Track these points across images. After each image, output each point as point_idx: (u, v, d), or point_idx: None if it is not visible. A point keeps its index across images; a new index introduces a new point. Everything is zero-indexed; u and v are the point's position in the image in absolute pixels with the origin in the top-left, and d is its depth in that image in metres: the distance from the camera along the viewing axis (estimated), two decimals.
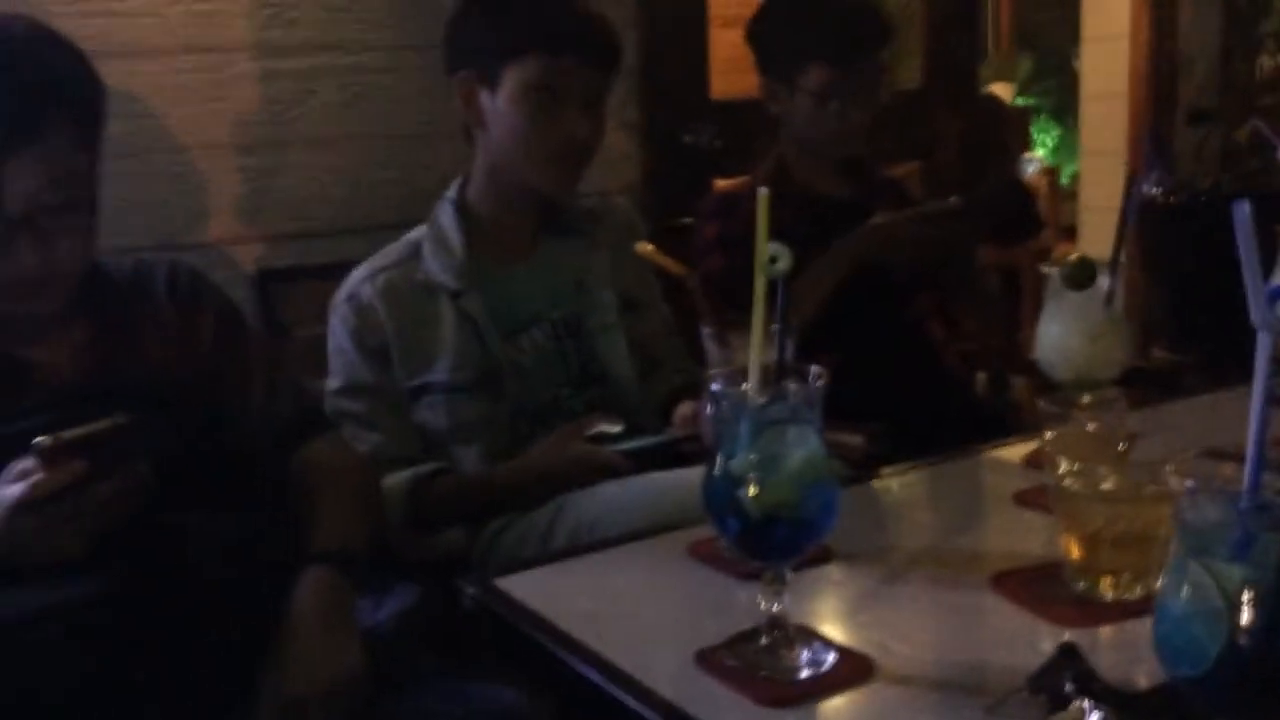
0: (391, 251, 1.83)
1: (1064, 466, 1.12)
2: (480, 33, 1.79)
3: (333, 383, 1.77)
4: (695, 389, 1.53)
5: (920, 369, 2.15)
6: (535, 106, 1.74)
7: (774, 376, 0.96)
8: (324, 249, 2.28)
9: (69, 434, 1.16)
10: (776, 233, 0.96)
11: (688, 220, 2.22)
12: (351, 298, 1.77)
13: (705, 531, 1.23)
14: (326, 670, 1.23)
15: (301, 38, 2.34)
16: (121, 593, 1.25)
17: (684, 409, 1.58)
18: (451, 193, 1.86)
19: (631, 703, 0.96)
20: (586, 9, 1.81)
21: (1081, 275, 1.41)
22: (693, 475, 1.34)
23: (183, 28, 2.24)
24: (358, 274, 1.80)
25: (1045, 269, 1.49)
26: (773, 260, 0.93)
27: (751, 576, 1.10)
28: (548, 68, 1.73)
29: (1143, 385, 2.07)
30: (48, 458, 1.16)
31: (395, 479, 1.67)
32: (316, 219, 2.37)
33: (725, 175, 2.69)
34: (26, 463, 1.17)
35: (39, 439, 1.15)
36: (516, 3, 1.78)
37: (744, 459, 0.94)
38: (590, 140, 1.78)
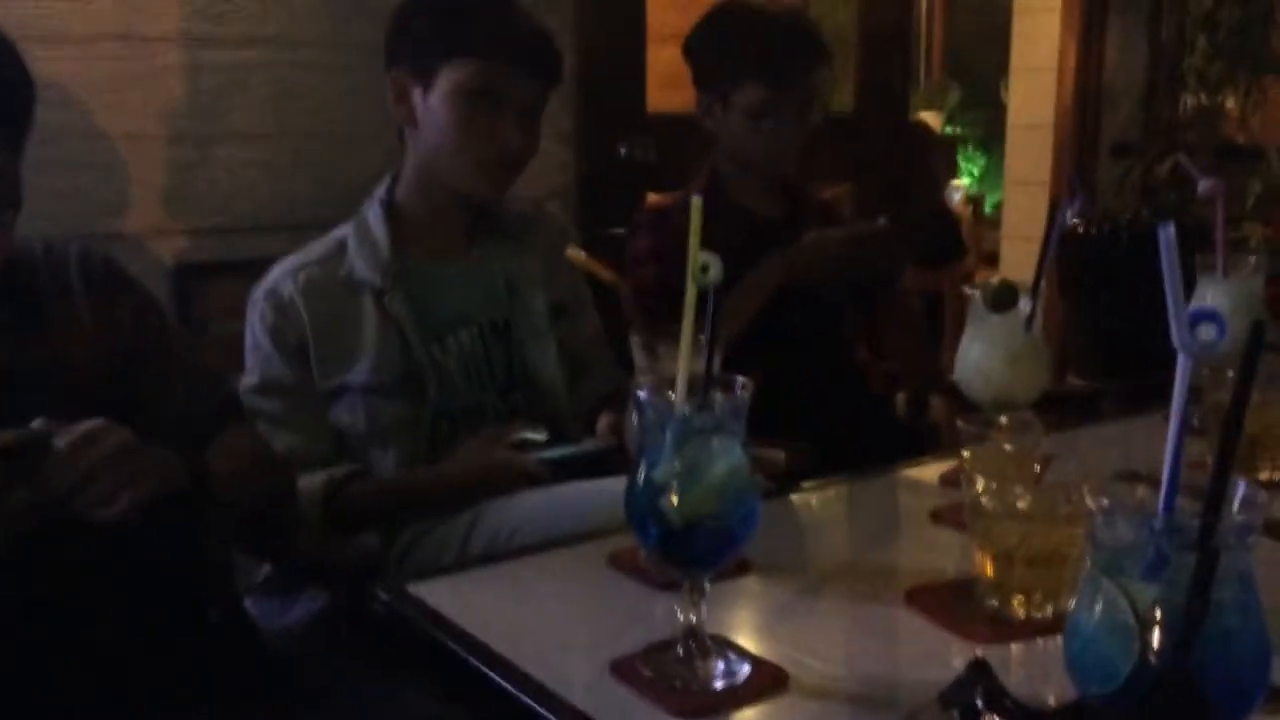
0: (315, 248, 1.79)
1: (980, 485, 1.13)
2: (419, 30, 1.77)
3: (248, 379, 1.73)
4: (624, 397, 1.53)
5: (843, 387, 2.17)
6: (468, 109, 1.73)
7: (701, 386, 0.96)
8: (246, 245, 2.24)
9: None
10: (707, 246, 0.96)
11: (619, 231, 2.22)
12: (271, 293, 1.74)
13: (625, 541, 1.23)
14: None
15: (232, 30, 2.30)
16: (31, 594, 1.21)
17: (606, 418, 1.57)
18: (380, 191, 1.83)
19: (545, 713, 0.94)
20: (529, 18, 1.80)
21: (1003, 298, 1.43)
22: (614, 485, 1.33)
23: (110, 15, 2.19)
24: (279, 269, 1.76)
25: (968, 291, 1.51)
26: (704, 270, 0.93)
27: (670, 587, 1.09)
28: (483, 71, 1.72)
29: (1059, 410, 2.11)
30: None
31: (311, 480, 1.63)
32: (239, 214, 2.33)
33: (658, 189, 2.70)
34: None
35: None
36: (458, 3, 1.76)
37: (667, 467, 0.93)
38: (522, 149, 1.77)
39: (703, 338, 0.98)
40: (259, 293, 1.75)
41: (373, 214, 1.80)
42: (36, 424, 1.16)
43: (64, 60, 2.15)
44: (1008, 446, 1.30)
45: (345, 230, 1.81)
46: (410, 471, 1.70)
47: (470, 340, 1.81)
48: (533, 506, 1.64)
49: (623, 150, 2.84)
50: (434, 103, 1.74)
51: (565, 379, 1.89)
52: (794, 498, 1.50)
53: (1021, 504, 1.13)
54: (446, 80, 1.73)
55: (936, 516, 1.39)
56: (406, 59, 1.77)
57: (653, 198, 2.65)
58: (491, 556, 1.43)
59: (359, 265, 1.75)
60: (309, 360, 1.71)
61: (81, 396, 1.30)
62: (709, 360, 0.98)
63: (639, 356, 1.24)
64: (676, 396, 0.94)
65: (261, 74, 2.33)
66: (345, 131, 2.41)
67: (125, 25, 2.21)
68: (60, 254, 1.42)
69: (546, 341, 1.87)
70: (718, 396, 0.96)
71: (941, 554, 1.28)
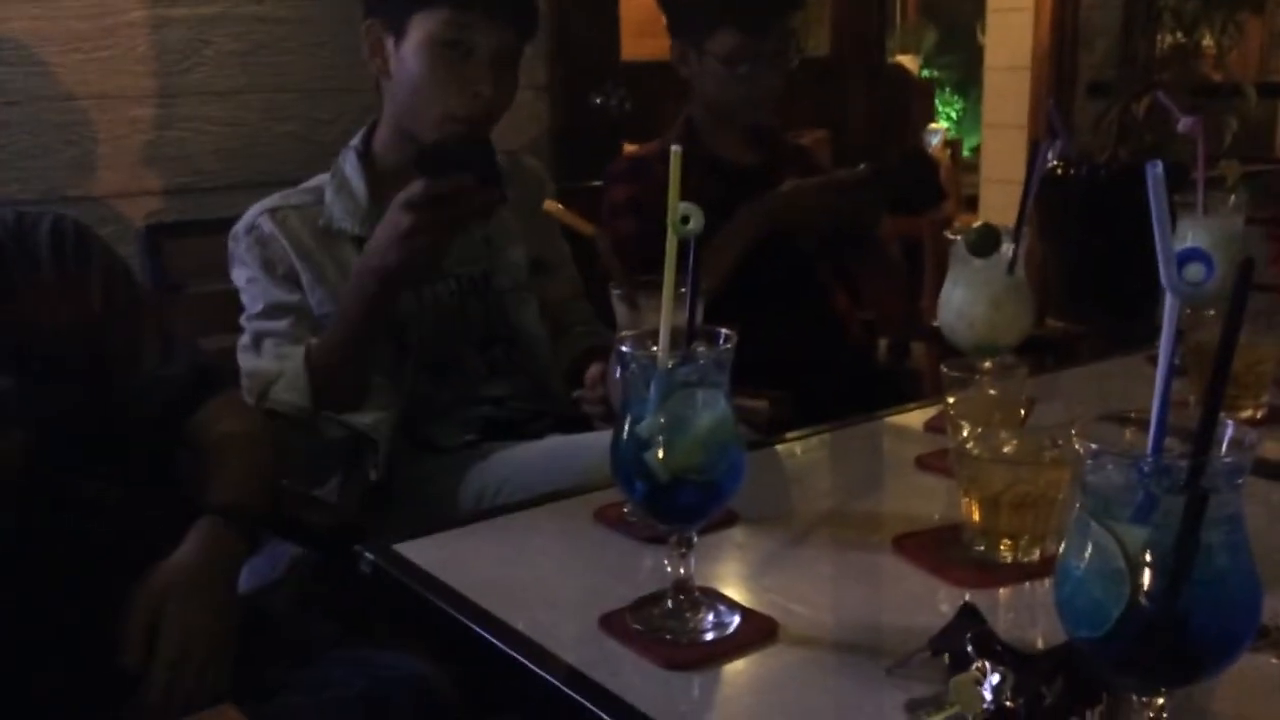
0: (292, 194, 1.78)
1: (965, 430, 1.13)
2: None
3: (252, 309, 1.72)
4: (605, 351, 1.52)
5: (824, 336, 2.17)
6: (439, 59, 1.70)
7: (683, 339, 0.95)
8: (217, 203, 2.21)
9: None
10: (684, 196, 0.95)
11: (596, 183, 2.20)
12: (252, 228, 1.73)
13: (611, 496, 1.23)
14: (202, 633, 1.20)
15: None
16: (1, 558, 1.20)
17: (594, 370, 1.56)
18: (356, 141, 1.81)
19: (536, 669, 0.94)
20: None
21: (985, 242, 1.42)
22: (598, 439, 1.33)
23: None
24: (255, 209, 1.76)
25: (950, 236, 1.50)
26: (684, 220, 0.91)
27: (657, 540, 1.09)
28: (454, 21, 1.69)
29: (1041, 353, 2.12)
30: None
31: (295, 359, 1.63)
32: (210, 173, 2.29)
33: (635, 139, 2.67)
34: None
35: None
36: None
37: (652, 421, 0.92)
38: (495, 100, 1.73)
39: (684, 290, 0.97)
40: (239, 230, 1.75)
41: (349, 164, 1.78)
42: None
43: (24, 19, 2.10)
44: (992, 391, 1.30)
45: (321, 180, 1.79)
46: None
47: (446, 293, 1.79)
48: (518, 461, 1.64)
49: (598, 100, 2.80)
50: (406, 53, 1.71)
51: (546, 333, 1.88)
52: (779, 448, 1.50)
53: (1007, 448, 1.13)
54: (418, 30, 1.70)
55: (921, 463, 1.39)
56: (380, 9, 1.74)
57: (629, 148, 2.63)
58: (477, 514, 1.42)
59: (337, 213, 1.74)
60: (302, 285, 1.71)
61: (49, 367, 1.29)
62: (691, 312, 0.97)
63: (620, 310, 1.23)
64: (659, 349, 0.93)
65: (227, 28, 2.28)
66: (315, 85, 2.37)
67: None
68: (32, 223, 1.39)
69: (526, 296, 1.86)
70: (700, 349, 0.95)
71: (927, 500, 1.28)
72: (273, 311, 1.70)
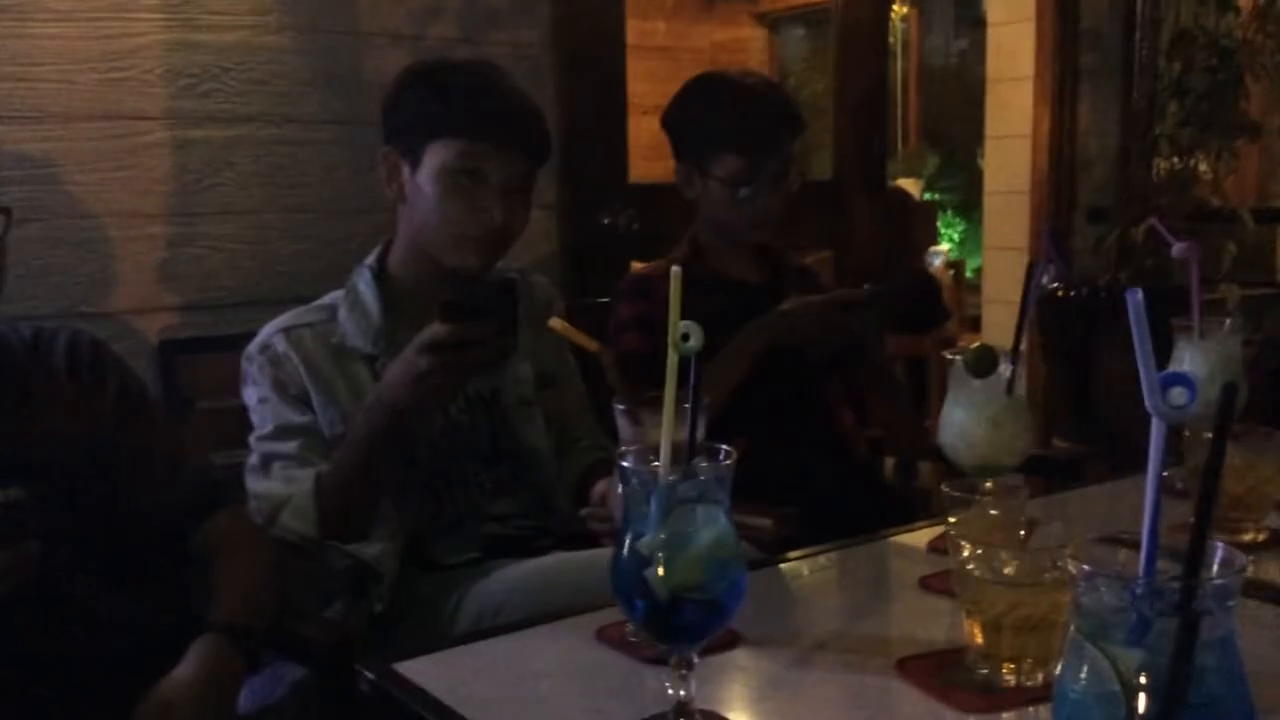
0: (305, 312, 1.81)
1: (966, 551, 1.13)
2: (407, 110, 1.80)
3: (262, 430, 1.73)
4: (610, 466, 1.53)
5: (829, 454, 2.18)
6: (451, 188, 1.74)
7: (685, 454, 0.96)
8: (232, 320, 2.25)
9: None
10: (689, 314, 0.97)
11: (604, 300, 2.23)
12: (265, 348, 1.75)
13: (614, 615, 1.22)
14: None
15: (217, 108, 2.33)
16: (4, 667, 1.20)
17: (600, 486, 1.57)
18: (370, 260, 1.85)
19: None
20: (517, 97, 1.82)
21: (983, 363, 1.44)
22: (602, 556, 1.33)
23: (95, 94, 2.22)
24: (269, 328, 1.78)
25: (949, 356, 1.52)
26: (684, 338, 0.93)
27: (659, 661, 1.09)
28: (466, 151, 1.74)
29: (1044, 473, 2.12)
30: None
31: (303, 486, 1.64)
32: (225, 290, 2.34)
33: (642, 258, 2.72)
34: None
35: None
36: (443, 84, 1.79)
37: (652, 538, 0.93)
38: (507, 225, 1.77)
39: (686, 406, 0.99)
40: (252, 349, 1.77)
41: (363, 282, 1.81)
42: (5, 494, 1.16)
43: (49, 139, 2.17)
44: (993, 511, 1.30)
45: (334, 298, 1.82)
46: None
47: (456, 410, 1.81)
48: (519, 580, 1.64)
49: (606, 220, 2.86)
50: (421, 180, 1.76)
51: (552, 449, 1.88)
52: (782, 567, 1.50)
53: (1008, 570, 1.13)
54: (432, 159, 1.75)
55: (926, 584, 1.39)
56: (396, 137, 1.80)
57: (636, 266, 2.67)
58: (477, 633, 1.41)
59: (350, 332, 1.77)
60: (313, 406, 1.73)
61: (61, 479, 1.30)
62: (692, 428, 0.98)
63: (623, 425, 1.25)
64: (660, 465, 0.94)
65: (246, 150, 2.35)
66: (330, 206, 2.43)
67: (110, 104, 2.23)
68: (49, 338, 1.43)
69: (533, 411, 1.88)
70: (702, 464, 0.96)
71: (932, 622, 1.28)
72: (283, 433, 1.72)
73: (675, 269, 0.97)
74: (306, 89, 2.41)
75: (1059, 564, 1.09)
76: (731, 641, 1.19)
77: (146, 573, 1.37)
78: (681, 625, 0.96)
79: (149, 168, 2.27)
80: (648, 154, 3.16)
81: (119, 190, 2.24)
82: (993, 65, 4.22)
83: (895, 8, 7.03)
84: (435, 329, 1.52)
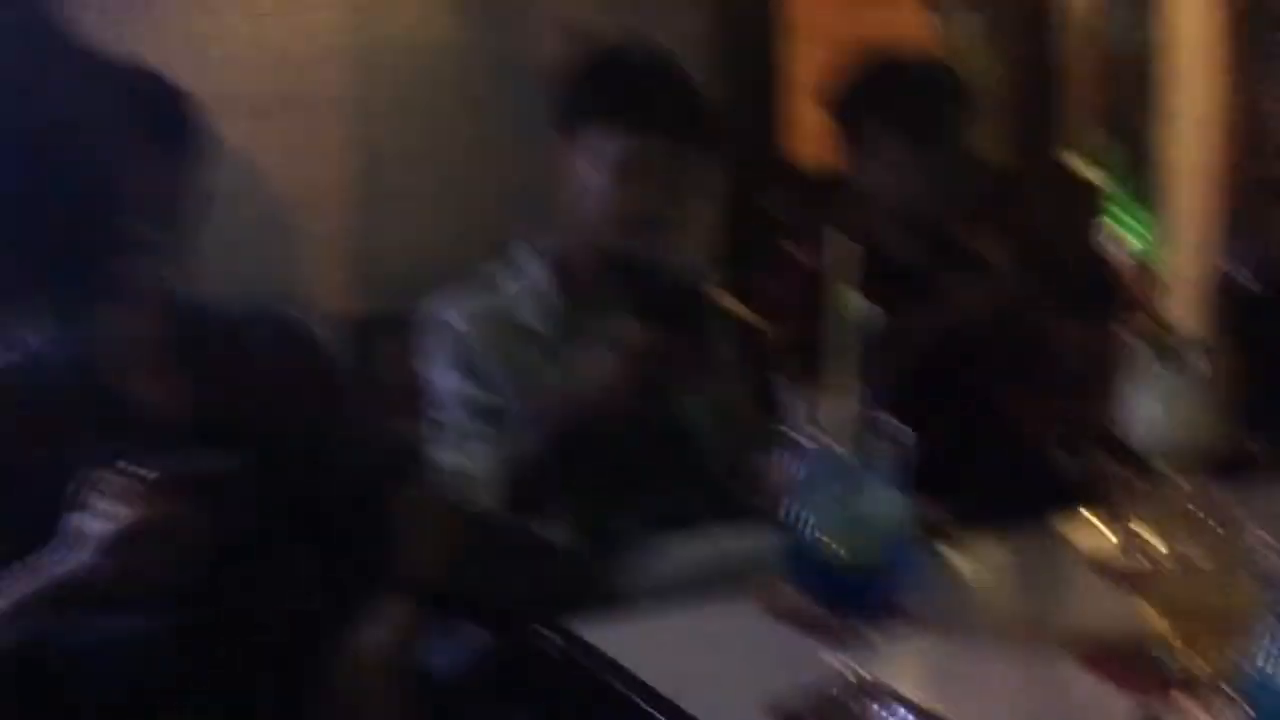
0: (475, 289, 1.87)
1: (1152, 539, 1.11)
2: (574, 98, 1.84)
3: (443, 402, 1.80)
4: (772, 447, 1.54)
5: (1000, 438, 2.14)
6: (617, 174, 1.78)
7: (855, 428, 0.97)
8: (420, 302, 2.33)
9: (181, 471, 1.19)
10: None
11: (761, 281, 2.23)
12: (444, 325, 1.82)
13: (784, 588, 1.23)
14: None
15: (403, 99, 2.41)
16: (207, 629, 1.28)
17: (764, 465, 1.58)
18: (543, 243, 1.90)
19: None
20: (682, 83, 1.84)
21: (1169, 348, 1.40)
22: (768, 533, 1.35)
23: (293, 88, 2.32)
24: (448, 306, 1.84)
25: (1134, 342, 1.48)
26: (853, 311, 0.94)
27: (832, 635, 1.10)
28: (630, 139, 1.77)
29: (1228, 466, 2.04)
30: (152, 492, 1.19)
31: (489, 462, 1.70)
32: (413, 273, 2.42)
33: (799, 240, 2.71)
34: (127, 494, 1.20)
35: (147, 472, 1.18)
36: (606, 72, 1.83)
37: (827, 511, 0.94)
38: (665, 211, 1.80)
39: (856, 381, 0.99)
40: (430, 325, 1.84)
41: (533, 263, 1.87)
42: (223, 463, 1.22)
43: (249, 130, 2.29)
44: (1176, 499, 1.27)
45: (499, 272, 1.88)
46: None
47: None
48: (686, 557, 1.67)
49: (765, 202, 2.86)
50: (586, 168, 1.80)
51: (712, 429, 1.91)
52: (956, 551, 1.49)
53: (1195, 558, 1.10)
54: (600, 146, 1.79)
55: (1104, 571, 1.35)
56: (564, 125, 1.84)
57: (793, 247, 2.66)
58: (652, 604, 1.44)
59: (523, 311, 1.82)
60: (489, 380, 1.78)
61: (268, 448, 1.38)
62: (864, 405, 0.99)
63: (788, 401, 1.26)
64: (831, 437, 0.95)
65: (429, 140, 2.44)
66: (507, 191, 2.50)
67: (306, 97, 2.34)
68: (255, 316, 1.51)
69: (696, 390, 1.90)
70: (873, 438, 0.97)
71: (1111, 610, 1.25)
72: (463, 406, 1.78)
73: (851, 245, 0.98)
74: (485, 78, 2.48)
75: (1251, 556, 1.05)
76: (905, 621, 1.19)
77: (341, 537, 1.44)
78: (855, 599, 0.97)
79: (342, 158, 2.37)
80: (808, 136, 3.14)
81: (317, 179, 2.35)
82: (1173, 43, 4.05)
83: None
84: (632, 334, 1.55)
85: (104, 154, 0.55)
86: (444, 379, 1.81)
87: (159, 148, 1.38)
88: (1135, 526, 1.14)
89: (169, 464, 1.20)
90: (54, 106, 0.50)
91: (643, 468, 1.85)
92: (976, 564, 1.49)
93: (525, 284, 1.85)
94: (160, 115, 1.39)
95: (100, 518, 1.19)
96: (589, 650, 1.16)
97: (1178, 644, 1.08)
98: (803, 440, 0.97)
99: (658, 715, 1.03)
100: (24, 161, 0.46)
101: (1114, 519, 1.51)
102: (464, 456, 1.73)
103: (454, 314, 1.82)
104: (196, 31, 2.23)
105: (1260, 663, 0.70)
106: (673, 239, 1.89)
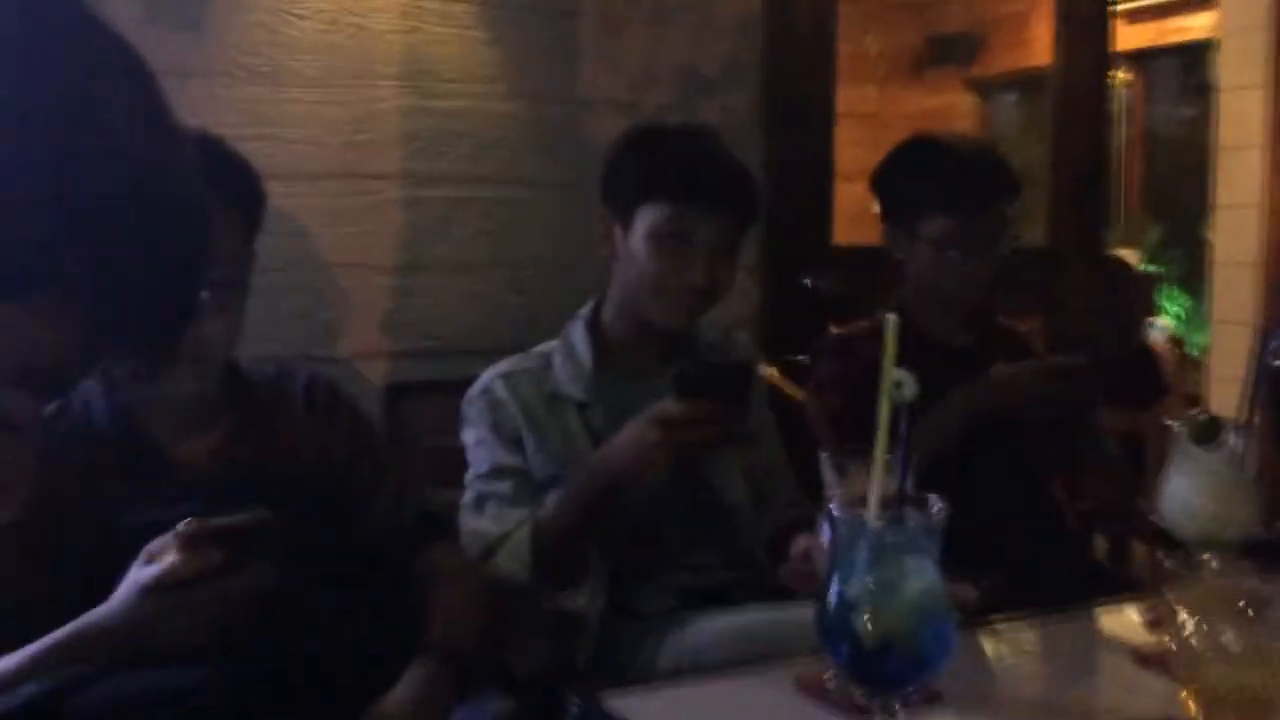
0: (523, 359, 1.89)
1: (1187, 623, 1.09)
2: (620, 174, 1.88)
3: (478, 469, 1.81)
4: (808, 524, 1.53)
5: (1039, 523, 2.11)
6: (660, 249, 1.80)
7: (894, 503, 0.97)
8: (452, 366, 2.36)
9: (213, 522, 1.21)
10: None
11: (804, 360, 2.24)
12: (485, 392, 1.84)
13: (813, 665, 1.23)
14: None
15: (448, 169, 2.47)
16: (235, 682, 1.28)
17: (801, 542, 1.58)
18: (585, 311, 1.93)
19: None
20: (726, 159, 1.87)
21: (1208, 431, 1.39)
22: (800, 611, 1.34)
23: (339, 155, 2.38)
24: (489, 374, 1.87)
25: (1173, 424, 1.47)
26: (897, 386, 0.95)
27: (860, 711, 1.09)
28: (675, 215, 1.80)
29: (1269, 554, 2.00)
30: (188, 543, 1.21)
31: (520, 531, 1.70)
32: (447, 338, 2.46)
33: (841, 321, 2.72)
34: (163, 546, 1.22)
35: (183, 523, 1.20)
36: (655, 148, 1.86)
37: (860, 584, 0.94)
38: (712, 285, 1.83)
39: (896, 455, 1.00)
40: (473, 393, 1.86)
41: (577, 334, 1.89)
42: (256, 514, 1.24)
43: (297, 196, 2.34)
44: (1214, 584, 1.25)
45: (550, 346, 1.90)
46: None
47: None
48: (714, 632, 1.65)
49: (808, 282, 2.88)
50: (632, 240, 1.83)
51: (749, 503, 1.90)
52: (986, 631, 1.47)
53: (1232, 645, 1.08)
54: (642, 222, 1.82)
55: (1139, 658, 1.34)
56: (610, 198, 1.88)
57: (835, 328, 2.67)
58: (680, 676, 1.44)
59: (564, 379, 1.84)
60: (526, 451, 1.80)
61: (297, 504, 1.40)
62: (903, 476, 0.99)
63: (828, 475, 1.26)
64: (870, 512, 0.95)
65: (472, 209, 2.48)
66: (547, 262, 2.53)
67: (351, 164, 2.39)
68: (289, 376, 1.54)
69: (730, 465, 1.90)
70: (912, 513, 0.97)
71: (1145, 697, 1.23)
72: (497, 474, 1.79)
73: (892, 317, 0.99)
74: (530, 152, 2.53)
75: None
76: (934, 699, 1.18)
77: (368, 597, 1.45)
78: (886, 674, 0.96)
79: (383, 224, 2.42)
80: (853, 220, 3.16)
81: (354, 243, 2.39)
82: (1223, 132, 4.05)
83: (1118, 75, 6.83)
84: (669, 406, 1.57)
85: (198, 222, 0.57)
86: (481, 445, 1.82)
87: (231, 218, 1.43)
88: (1171, 611, 1.12)
89: (202, 516, 1.21)
90: (160, 177, 0.52)
91: (677, 540, 1.85)
92: (1010, 645, 1.47)
93: (569, 354, 1.87)
94: (231, 185, 1.44)
95: (134, 567, 1.21)
96: (611, 717, 1.16)
97: None
98: (840, 515, 0.97)
99: None
100: (133, 229, 0.49)
101: (1150, 603, 1.49)
102: (497, 523, 1.73)
103: (498, 382, 1.85)
104: (260, 103, 2.29)
105: None
106: (715, 312, 1.91)
